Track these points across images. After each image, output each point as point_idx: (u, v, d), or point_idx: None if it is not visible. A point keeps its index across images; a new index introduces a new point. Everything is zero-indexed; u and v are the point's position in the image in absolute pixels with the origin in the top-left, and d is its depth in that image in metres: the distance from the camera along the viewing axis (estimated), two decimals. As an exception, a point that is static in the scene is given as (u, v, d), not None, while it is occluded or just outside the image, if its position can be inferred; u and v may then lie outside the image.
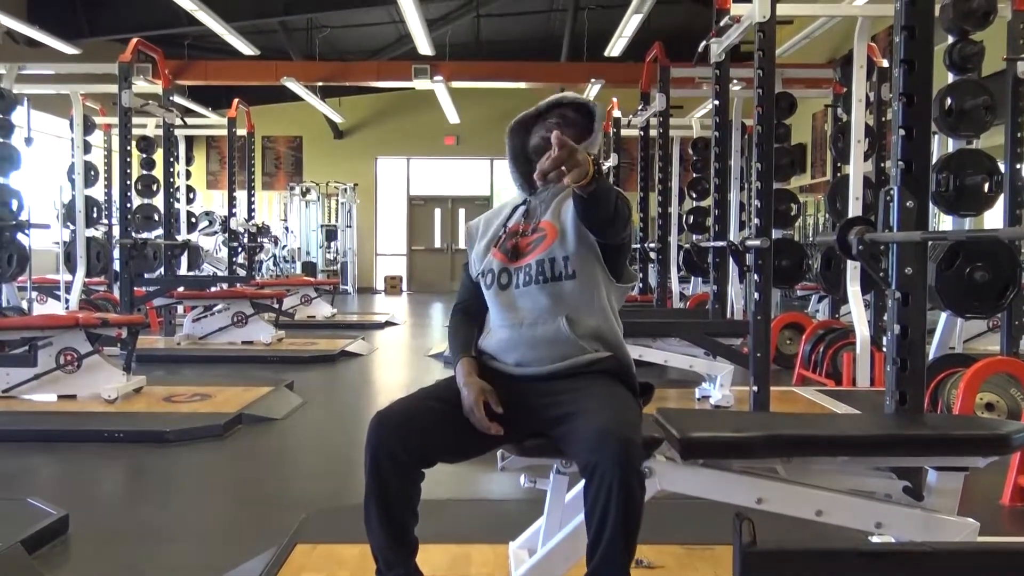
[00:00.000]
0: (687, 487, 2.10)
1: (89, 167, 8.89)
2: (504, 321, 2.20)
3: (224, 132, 11.10)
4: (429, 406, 2.12)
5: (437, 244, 19.46)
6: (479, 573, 2.56)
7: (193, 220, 11.46)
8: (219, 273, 11.49)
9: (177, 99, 9.54)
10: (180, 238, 9.63)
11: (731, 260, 6.45)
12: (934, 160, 4.69)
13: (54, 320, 5.40)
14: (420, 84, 13.13)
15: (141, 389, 5.49)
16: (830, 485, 2.12)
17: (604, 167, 2.08)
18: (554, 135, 1.87)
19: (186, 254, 9.76)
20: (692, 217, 9.74)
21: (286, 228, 16.87)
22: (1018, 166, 5.06)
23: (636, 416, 2.07)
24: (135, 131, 8.26)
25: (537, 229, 2.23)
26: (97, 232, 9.22)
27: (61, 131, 13.39)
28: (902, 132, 2.65)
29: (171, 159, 8.83)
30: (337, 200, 17.85)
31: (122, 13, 13.57)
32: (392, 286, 18.90)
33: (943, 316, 5.09)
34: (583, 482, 1.91)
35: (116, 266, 8.46)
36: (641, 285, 9.32)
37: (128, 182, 7.73)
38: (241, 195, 11.34)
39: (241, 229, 10.86)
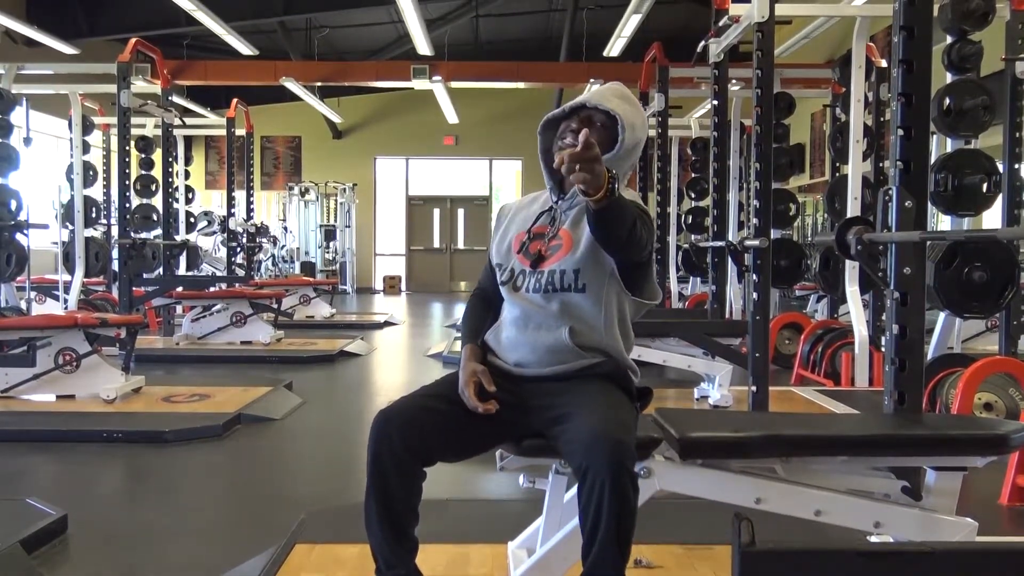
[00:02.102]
0: (686, 487, 2.10)
1: (88, 167, 8.88)
2: (512, 320, 2.21)
3: (223, 132, 11.11)
4: (431, 405, 2.12)
5: (436, 244, 19.46)
6: (478, 573, 2.57)
7: (192, 220, 11.45)
8: (218, 273, 11.47)
9: (176, 99, 9.54)
10: (179, 238, 9.63)
11: (730, 260, 6.48)
12: (933, 160, 4.70)
13: (53, 320, 5.40)
14: (419, 84, 13.12)
15: (140, 389, 5.49)
16: (829, 485, 2.12)
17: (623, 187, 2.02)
18: (583, 133, 1.82)
19: (185, 254, 9.74)
20: (691, 217, 9.75)
21: (285, 228, 16.85)
22: (1016, 166, 5.06)
23: (630, 418, 2.07)
24: (134, 131, 8.27)
25: (556, 236, 2.21)
26: (96, 232, 9.21)
27: (60, 131, 13.39)
28: (901, 132, 2.65)
29: (170, 159, 8.82)
30: (336, 200, 17.85)
31: (121, 13, 13.56)
32: (391, 286, 18.90)
33: (941, 316, 5.09)
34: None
35: (115, 266, 8.46)
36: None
37: (127, 182, 7.74)
38: (240, 195, 11.34)
39: (240, 229, 10.86)
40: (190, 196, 11.18)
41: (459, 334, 2.36)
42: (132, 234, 7.84)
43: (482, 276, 2.39)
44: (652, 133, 7.95)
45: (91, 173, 9.09)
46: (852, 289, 6.17)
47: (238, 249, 10.88)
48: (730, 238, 7.45)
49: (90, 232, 8.69)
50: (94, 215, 8.98)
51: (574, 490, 2.28)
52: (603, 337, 2.16)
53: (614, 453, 1.84)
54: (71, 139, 9.02)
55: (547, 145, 2.26)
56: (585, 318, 2.15)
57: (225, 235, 10.96)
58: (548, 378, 2.14)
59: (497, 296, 2.31)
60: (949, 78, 4.85)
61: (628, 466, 1.86)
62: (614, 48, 11.71)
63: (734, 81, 7.69)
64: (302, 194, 17.26)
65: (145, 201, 9.42)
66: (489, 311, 2.32)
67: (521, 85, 14.18)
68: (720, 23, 5.71)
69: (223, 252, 11.20)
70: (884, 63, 6.63)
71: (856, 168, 6.12)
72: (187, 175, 11.05)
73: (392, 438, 2.02)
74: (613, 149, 2.17)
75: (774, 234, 5.55)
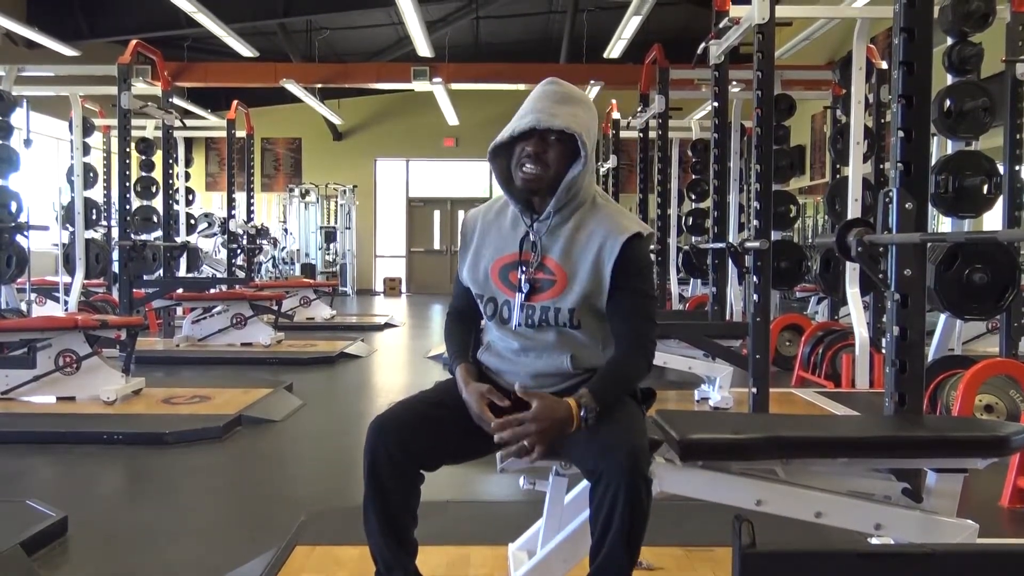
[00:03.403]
0: (686, 489, 2.10)
1: (88, 169, 8.89)
2: (506, 349, 2.15)
3: (223, 134, 11.10)
4: (428, 410, 2.10)
5: (436, 246, 19.46)
6: (478, 574, 2.56)
7: (192, 222, 11.45)
8: (218, 275, 11.48)
9: (176, 101, 9.55)
10: (179, 240, 9.62)
11: (730, 262, 6.47)
12: (933, 162, 4.69)
13: (53, 322, 5.40)
14: (419, 86, 13.13)
15: (140, 391, 5.49)
16: (829, 487, 2.12)
17: (591, 410, 1.94)
18: (494, 425, 1.95)
19: (185, 256, 9.75)
20: (691, 219, 9.75)
21: (285, 230, 16.86)
22: (1017, 168, 5.06)
23: (641, 422, 2.06)
24: (134, 133, 8.27)
25: (544, 267, 2.09)
26: (96, 234, 9.21)
27: (60, 133, 13.40)
28: (901, 134, 2.65)
29: (170, 161, 8.83)
30: (336, 202, 17.85)
31: (121, 15, 13.57)
32: (391, 288, 18.90)
33: (942, 318, 5.09)
34: (585, 483, 1.91)
35: (115, 268, 8.46)
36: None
37: (127, 184, 7.73)
38: (240, 197, 11.34)
39: (240, 231, 10.86)
40: (190, 198, 11.18)
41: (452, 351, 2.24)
42: (132, 236, 7.83)
43: (455, 296, 2.28)
44: (652, 135, 7.96)
45: (91, 175, 9.10)
46: (853, 291, 6.17)
47: (238, 251, 10.88)
48: (730, 240, 7.44)
49: (90, 234, 8.68)
50: (94, 217, 8.98)
51: (575, 492, 2.29)
52: (603, 359, 2.12)
53: (630, 458, 1.84)
54: (71, 141, 9.01)
55: (503, 170, 2.11)
56: (584, 346, 2.11)
57: (225, 237, 10.97)
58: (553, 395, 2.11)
59: (473, 315, 2.24)
60: (950, 80, 4.85)
61: (643, 470, 1.85)
62: (614, 50, 11.71)
63: (735, 83, 7.69)
64: (302, 196, 17.27)
65: (145, 203, 9.41)
66: (471, 329, 2.25)
67: (521, 87, 14.16)
68: (720, 25, 5.70)
69: (223, 254, 11.21)
70: (884, 65, 6.63)
71: (856, 170, 6.12)
72: (187, 177, 11.04)
73: (389, 444, 2.00)
74: (577, 161, 2.04)
75: (774, 236, 5.54)
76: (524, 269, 2.10)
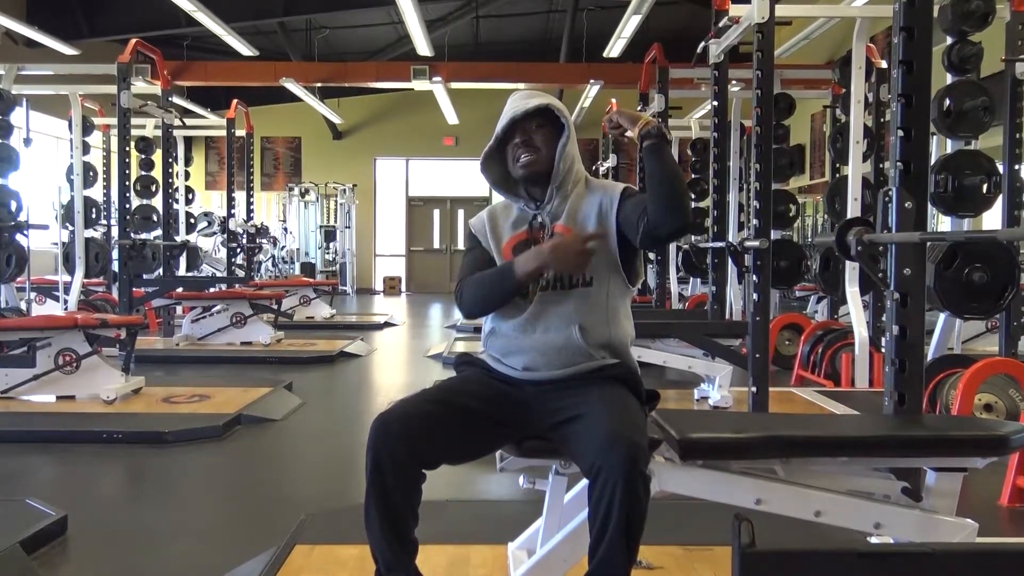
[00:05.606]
0: (686, 488, 2.10)
1: (88, 168, 8.88)
2: (514, 325, 2.20)
3: (223, 133, 11.10)
4: (430, 409, 2.11)
5: (436, 245, 19.45)
6: (478, 574, 2.57)
7: (192, 221, 11.45)
8: (218, 274, 11.48)
9: (176, 100, 9.54)
10: (179, 239, 9.63)
11: (730, 261, 6.47)
12: (933, 161, 4.69)
13: (53, 321, 5.40)
14: (419, 85, 13.13)
15: (140, 390, 5.49)
16: (829, 486, 2.12)
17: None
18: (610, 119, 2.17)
19: (185, 255, 9.74)
20: (691, 218, 9.72)
21: (285, 229, 16.86)
22: (1016, 167, 5.06)
23: (642, 421, 2.07)
24: (134, 132, 8.26)
25: (554, 235, 2.21)
26: (96, 233, 9.21)
27: (60, 132, 13.40)
28: (901, 133, 2.65)
29: (170, 160, 8.83)
30: (336, 201, 17.85)
31: (121, 14, 13.56)
32: (391, 287, 18.90)
33: (942, 317, 5.09)
34: (584, 483, 1.91)
35: (115, 267, 8.46)
36: (640, 286, 9.34)
37: (127, 183, 7.73)
38: (240, 196, 11.34)
39: (240, 230, 10.86)
40: (190, 197, 11.18)
41: (478, 300, 2.23)
42: (132, 235, 7.83)
43: (470, 268, 2.28)
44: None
45: (91, 174, 9.09)
46: (852, 290, 6.17)
47: (238, 250, 10.87)
48: (730, 239, 7.45)
49: (90, 233, 8.69)
50: (94, 216, 8.98)
51: (574, 491, 2.29)
52: (612, 332, 2.18)
53: (629, 454, 1.85)
54: (71, 140, 9.02)
55: (499, 176, 2.33)
56: (592, 313, 2.16)
57: (225, 236, 10.96)
58: (558, 380, 2.14)
59: None
60: (949, 79, 4.85)
61: (641, 468, 1.87)
62: (614, 49, 11.71)
63: (734, 82, 7.69)
64: (302, 195, 17.26)
65: (145, 202, 9.41)
66: None
67: (521, 86, 14.15)
68: (720, 24, 5.71)
69: (223, 253, 11.20)
70: (884, 64, 6.63)
71: (856, 169, 6.12)
72: (187, 176, 11.05)
73: (391, 443, 2.01)
74: (562, 134, 2.23)
75: (774, 235, 5.55)
76: (536, 243, 2.22)
